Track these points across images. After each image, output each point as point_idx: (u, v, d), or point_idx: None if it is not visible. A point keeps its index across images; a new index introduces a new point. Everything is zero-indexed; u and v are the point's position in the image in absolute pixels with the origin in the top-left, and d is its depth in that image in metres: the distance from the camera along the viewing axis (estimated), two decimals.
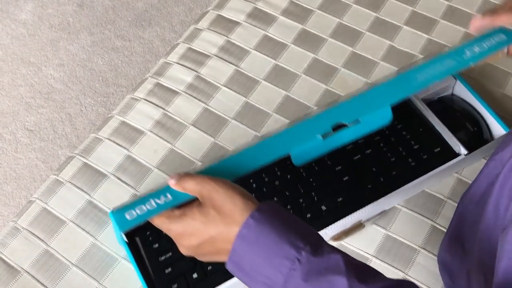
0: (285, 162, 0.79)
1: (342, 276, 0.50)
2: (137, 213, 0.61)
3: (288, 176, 0.79)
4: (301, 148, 0.66)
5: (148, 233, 0.75)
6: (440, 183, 0.82)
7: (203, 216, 0.56)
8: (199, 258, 0.60)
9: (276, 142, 0.67)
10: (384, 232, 0.78)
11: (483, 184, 0.67)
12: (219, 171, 0.64)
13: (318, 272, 0.51)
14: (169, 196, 0.62)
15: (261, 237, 0.53)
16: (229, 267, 0.56)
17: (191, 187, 0.59)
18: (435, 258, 0.76)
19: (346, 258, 0.53)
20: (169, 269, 0.73)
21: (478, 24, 0.75)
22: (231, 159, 0.65)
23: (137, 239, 0.75)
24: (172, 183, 0.61)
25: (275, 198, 0.77)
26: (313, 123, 0.68)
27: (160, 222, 0.60)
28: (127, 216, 0.62)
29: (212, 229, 0.56)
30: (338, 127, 0.69)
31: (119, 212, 0.62)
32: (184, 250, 0.60)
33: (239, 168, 0.65)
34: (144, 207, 0.62)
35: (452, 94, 0.89)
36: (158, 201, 0.62)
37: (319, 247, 0.53)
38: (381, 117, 0.70)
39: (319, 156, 0.68)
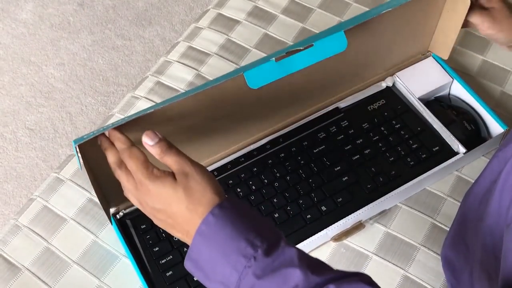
0: (284, 163, 0.79)
1: (296, 268, 0.51)
2: (93, 132, 0.62)
3: (288, 178, 0.79)
4: (255, 71, 0.66)
5: (148, 236, 0.75)
6: (440, 181, 0.82)
7: (172, 190, 0.57)
8: (156, 223, 0.60)
9: (234, 71, 0.67)
10: (385, 229, 0.79)
11: (486, 182, 0.67)
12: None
13: (272, 269, 0.51)
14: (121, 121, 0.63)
15: (219, 234, 0.54)
16: (188, 266, 0.56)
17: (170, 162, 0.59)
18: (435, 255, 0.76)
19: (301, 252, 0.53)
20: (170, 272, 0.73)
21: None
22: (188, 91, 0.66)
23: (137, 242, 0.75)
24: (153, 150, 0.59)
25: (274, 200, 0.77)
26: (271, 54, 0.68)
27: (136, 168, 0.59)
28: (85, 137, 0.62)
29: (174, 206, 0.56)
30: (291, 53, 0.68)
31: (80, 138, 0.62)
32: (146, 208, 0.60)
33: (193, 90, 0.65)
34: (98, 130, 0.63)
35: (450, 94, 0.89)
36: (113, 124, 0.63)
37: (276, 244, 0.53)
38: (335, 42, 0.69)
39: (274, 80, 0.68)
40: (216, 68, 0.95)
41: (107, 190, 0.74)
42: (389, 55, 0.86)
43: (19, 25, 1.86)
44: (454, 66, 0.90)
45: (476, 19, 0.79)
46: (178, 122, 0.73)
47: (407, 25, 0.81)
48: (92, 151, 0.68)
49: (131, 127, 0.64)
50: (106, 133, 0.63)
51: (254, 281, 0.51)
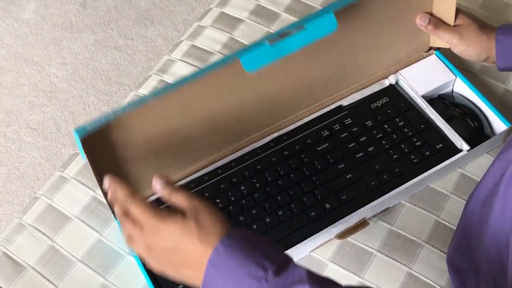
0: (287, 161, 0.79)
1: (306, 284, 0.52)
2: (95, 122, 0.63)
3: (291, 175, 0.79)
4: (250, 54, 0.68)
5: None
6: (444, 178, 0.82)
7: (184, 225, 0.57)
8: (164, 267, 0.59)
9: (228, 56, 0.70)
10: (389, 227, 0.79)
11: (488, 185, 0.67)
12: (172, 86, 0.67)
13: (283, 287, 0.52)
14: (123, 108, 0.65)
15: (229, 261, 0.55)
16: None
17: (180, 201, 0.60)
18: (440, 252, 0.76)
19: (310, 272, 0.54)
20: None
21: (421, 26, 0.84)
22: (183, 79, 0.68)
23: None
24: (162, 192, 0.61)
25: (278, 198, 0.77)
26: (264, 37, 0.71)
27: (142, 212, 0.59)
28: (87, 127, 0.63)
29: (186, 239, 0.57)
30: (284, 35, 0.70)
31: (81, 127, 0.64)
32: (155, 251, 0.58)
33: (189, 76, 0.67)
34: (102, 118, 0.64)
35: (453, 91, 0.89)
36: (114, 112, 0.64)
37: (286, 265, 0.54)
38: (326, 24, 0.72)
39: (269, 62, 0.70)
40: None
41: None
42: (388, 47, 0.86)
43: (22, 25, 1.87)
44: (457, 64, 0.90)
45: (445, 37, 0.83)
46: (179, 114, 0.73)
47: (401, 13, 0.83)
48: (96, 145, 0.68)
49: (133, 118, 0.67)
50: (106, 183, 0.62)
51: None
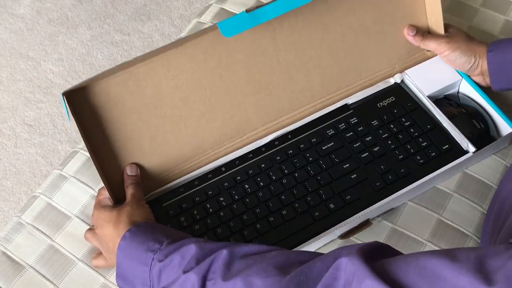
0: (292, 160, 0.79)
1: (191, 244, 0.60)
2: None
3: (296, 174, 0.78)
4: (228, 21, 0.72)
5: None
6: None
7: (110, 214, 0.70)
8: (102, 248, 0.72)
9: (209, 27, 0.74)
10: (391, 226, 0.78)
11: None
12: None
13: (173, 251, 0.60)
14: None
15: (133, 243, 0.64)
16: (119, 284, 0.66)
17: (128, 193, 0.74)
18: None
19: (199, 240, 0.62)
20: None
21: (409, 37, 0.86)
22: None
23: None
24: (128, 181, 0.76)
25: (282, 197, 0.77)
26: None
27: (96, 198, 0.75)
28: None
29: (106, 226, 0.69)
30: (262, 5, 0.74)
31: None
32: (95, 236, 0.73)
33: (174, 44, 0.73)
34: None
35: (459, 92, 0.88)
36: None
37: (180, 239, 0.63)
38: None
39: (246, 29, 0.74)
40: None
41: (114, 180, 0.75)
42: (385, 45, 0.86)
43: (17, 20, 1.85)
44: None
45: (433, 45, 0.85)
46: (169, 85, 0.76)
47: (393, 7, 0.85)
48: (82, 107, 0.69)
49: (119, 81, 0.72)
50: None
51: (159, 266, 0.60)
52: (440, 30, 0.86)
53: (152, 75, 0.74)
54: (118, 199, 0.75)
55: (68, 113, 0.69)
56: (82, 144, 0.87)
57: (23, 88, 1.70)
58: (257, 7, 0.73)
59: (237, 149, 0.81)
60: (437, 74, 0.87)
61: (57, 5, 1.87)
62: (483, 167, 0.83)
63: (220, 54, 0.76)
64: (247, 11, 0.72)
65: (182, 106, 0.77)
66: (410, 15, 0.86)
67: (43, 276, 0.76)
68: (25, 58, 1.77)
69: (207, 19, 1.01)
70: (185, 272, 0.58)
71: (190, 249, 0.60)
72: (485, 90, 0.85)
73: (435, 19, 0.86)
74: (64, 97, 0.67)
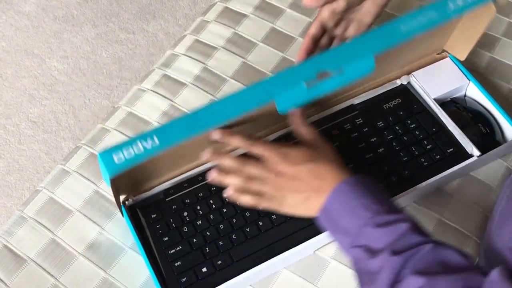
0: None
1: (407, 222, 0.62)
2: (124, 156, 0.61)
3: None
4: (286, 95, 0.67)
5: (158, 226, 0.75)
6: None
7: (313, 151, 0.69)
8: (281, 195, 0.69)
9: (261, 89, 0.67)
10: None
11: None
12: (204, 115, 0.65)
13: (389, 222, 0.62)
14: (156, 140, 0.62)
15: (353, 193, 0.65)
16: (320, 217, 0.67)
17: (308, 132, 0.72)
18: None
19: (415, 221, 0.63)
20: (179, 262, 0.73)
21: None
22: (215, 105, 0.65)
23: (147, 231, 0.75)
24: (296, 124, 0.73)
25: None
26: (298, 70, 0.68)
27: (263, 146, 0.70)
28: (115, 159, 0.61)
29: (323, 163, 0.68)
30: (321, 76, 0.68)
31: (107, 154, 0.61)
32: (275, 181, 0.68)
33: (221, 114, 0.65)
34: (131, 150, 0.62)
35: (465, 95, 0.88)
36: (145, 144, 0.62)
37: (399, 210, 0.65)
38: (364, 66, 0.69)
39: (303, 103, 0.69)
40: (223, 62, 0.95)
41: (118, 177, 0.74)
42: (402, 52, 0.85)
43: (23, 17, 1.86)
44: (462, 63, 0.89)
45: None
46: None
47: None
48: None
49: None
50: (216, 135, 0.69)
51: (371, 229, 0.62)
52: (464, 52, 0.84)
53: None
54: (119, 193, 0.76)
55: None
56: (85, 139, 0.88)
57: (28, 85, 1.71)
58: (318, 78, 0.67)
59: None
60: (444, 77, 0.86)
61: (63, 3, 1.88)
62: (485, 168, 0.83)
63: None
64: (307, 85, 0.67)
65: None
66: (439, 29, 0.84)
67: (44, 269, 0.76)
68: (30, 55, 1.77)
69: (211, 17, 1.02)
70: (392, 250, 0.60)
71: (404, 228, 0.61)
72: (493, 94, 0.85)
73: (468, 41, 0.83)
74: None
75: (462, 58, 0.85)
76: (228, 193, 0.69)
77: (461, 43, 0.85)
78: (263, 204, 0.70)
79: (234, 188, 0.69)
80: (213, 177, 0.70)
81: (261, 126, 0.82)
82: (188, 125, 0.64)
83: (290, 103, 0.68)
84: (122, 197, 0.77)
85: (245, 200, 0.69)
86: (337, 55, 0.68)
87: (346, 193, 0.65)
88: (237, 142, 0.70)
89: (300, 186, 0.68)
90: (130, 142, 0.62)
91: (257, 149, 0.70)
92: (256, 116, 0.71)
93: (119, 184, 0.74)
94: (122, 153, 0.61)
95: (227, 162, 0.70)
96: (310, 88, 0.67)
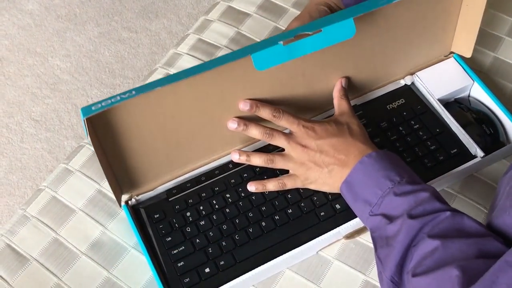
0: None
1: (427, 192, 0.64)
2: (102, 105, 0.62)
3: None
4: (262, 53, 0.67)
5: (161, 226, 0.75)
6: None
7: (337, 127, 0.73)
8: (306, 167, 0.73)
9: (240, 51, 0.68)
10: None
11: None
12: (182, 74, 0.66)
13: (410, 191, 0.64)
14: (133, 92, 0.63)
15: (376, 165, 0.68)
16: (342, 187, 0.70)
17: (344, 104, 0.77)
18: None
19: (436, 191, 0.65)
20: (182, 263, 0.72)
21: None
22: (193, 67, 0.66)
23: (150, 231, 0.75)
24: (336, 93, 0.78)
25: (289, 195, 0.76)
26: (279, 35, 0.69)
27: (291, 119, 0.73)
28: (93, 108, 0.62)
29: (343, 138, 0.72)
30: (299, 37, 0.68)
31: (88, 107, 0.63)
32: (303, 154, 0.72)
33: (196, 69, 0.66)
34: (109, 101, 0.63)
35: (469, 96, 0.88)
36: (123, 96, 0.63)
37: (419, 182, 0.67)
38: (344, 29, 0.70)
39: (281, 63, 0.69)
40: None
41: (120, 172, 0.74)
42: (409, 55, 0.85)
43: (25, 15, 1.86)
44: (465, 62, 0.89)
45: None
46: (189, 106, 0.72)
47: (424, 20, 0.81)
48: (103, 128, 0.67)
49: (140, 104, 0.67)
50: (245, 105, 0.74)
51: (392, 197, 0.64)
52: (469, 49, 0.84)
53: (175, 97, 0.70)
54: (122, 191, 0.76)
55: (87, 134, 0.66)
56: (88, 138, 0.88)
57: (30, 84, 1.71)
58: (295, 37, 0.68)
59: (246, 146, 0.81)
60: (448, 77, 0.86)
61: (66, 2, 1.88)
62: (489, 169, 0.82)
63: (249, 80, 0.73)
64: (284, 42, 0.68)
65: (198, 115, 0.74)
66: (440, 29, 0.83)
67: (47, 269, 0.76)
68: (32, 53, 1.77)
69: (214, 16, 1.01)
70: (409, 215, 0.62)
71: (424, 196, 0.63)
72: (497, 94, 0.85)
73: (468, 37, 0.83)
74: (85, 120, 0.64)
75: (469, 55, 0.85)
76: (252, 189, 0.75)
77: (464, 40, 0.85)
78: (288, 185, 0.75)
79: (261, 163, 0.75)
80: (237, 158, 0.76)
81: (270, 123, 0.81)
82: (166, 79, 0.65)
83: (268, 61, 0.68)
84: (125, 197, 0.77)
85: (271, 187, 0.75)
86: (318, 23, 0.70)
87: (369, 166, 0.68)
88: (264, 114, 0.74)
89: (324, 160, 0.71)
90: (110, 98, 0.63)
91: (284, 123, 0.74)
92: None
93: (121, 179, 0.75)
94: (100, 104, 0.63)
95: (255, 131, 0.74)
96: (287, 46, 0.67)
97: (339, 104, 0.78)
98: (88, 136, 0.66)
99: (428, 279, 0.56)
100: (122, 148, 0.73)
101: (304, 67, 0.76)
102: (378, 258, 0.63)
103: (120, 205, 0.76)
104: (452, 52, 0.88)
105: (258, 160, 0.75)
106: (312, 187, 0.75)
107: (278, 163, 0.75)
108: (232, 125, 0.75)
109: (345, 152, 0.71)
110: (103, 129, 0.68)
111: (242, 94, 0.75)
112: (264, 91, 0.76)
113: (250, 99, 0.74)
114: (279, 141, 0.74)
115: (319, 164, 0.72)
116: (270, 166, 0.75)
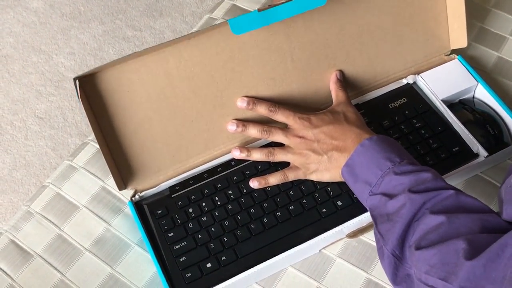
0: None
1: (428, 172, 0.64)
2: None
3: None
4: (239, 19, 0.73)
5: (163, 222, 0.75)
6: None
7: (333, 115, 0.75)
8: (305, 156, 0.74)
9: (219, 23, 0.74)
10: None
11: None
12: None
13: (410, 171, 0.65)
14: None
15: (376, 148, 0.69)
16: (343, 170, 0.70)
17: (342, 94, 0.79)
18: None
19: (436, 172, 0.65)
20: (184, 258, 0.73)
21: None
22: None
23: (153, 227, 0.76)
24: (333, 85, 0.80)
25: (291, 192, 0.77)
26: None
27: (286, 113, 0.76)
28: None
29: (347, 125, 0.73)
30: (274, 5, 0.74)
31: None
32: (301, 144, 0.74)
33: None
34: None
35: (474, 97, 0.88)
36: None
37: (417, 163, 0.67)
38: None
39: (256, 28, 0.75)
40: None
41: (122, 162, 0.75)
42: (403, 47, 0.86)
43: (30, 13, 1.87)
44: (469, 62, 0.89)
45: None
46: (180, 80, 0.75)
47: (409, 7, 0.83)
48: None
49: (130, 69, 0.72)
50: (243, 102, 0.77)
51: (392, 177, 0.65)
52: (463, 37, 0.85)
53: (163, 64, 0.74)
54: (125, 185, 0.76)
55: (79, 98, 0.69)
56: (92, 136, 0.88)
57: (35, 81, 1.72)
58: (270, 6, 0.73)
59: (248, 143, 0.81)
60: (453, 78, 0.86)
61: (70, 0, 1.89)
62: (493, 169, 0.82)
63: (232, 49, 0.76)
64: (259, 10, 0.72)
65: (193, 98, 0.77)
66: (431, 19, 0.85)
67: (51, 264, 0.76)
68: (37, 51, 1.78)
69: (219, 15, 1.02)
70: (412, 191, 0.62)
71: (426, 176, 0.64)
72: (500, 94, 0.85)
73: (458, 25, 0.85)
74: (77, 81, 0.67)
75: (465, 45, 0.86)
76: (254, 186, 0.76)
77: (457, 30, 0.86)
78: (290, 176, 0.76)
79: (261, 157, 0.77)
80: (238, 154, 0.78)
81: (272, 120, 0.82)
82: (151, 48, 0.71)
83: (244, 26, 0.74)
84: (130, 192, 0.78)
85: (273, 180, 0.76)
86: None
87: (370, 148, 0.69)
88: (261, 110, 0.77)
89: (322, 147, 0.73)
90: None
91: (280, 117, 0.76)
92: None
93: (123, 170, 0.76)
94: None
95: (253, 130, 0.77)
96: (262, 13, 0.72)
97: (336, 95, 0.80)
98: (80, 100, 0.69)
99: (434, 250, 0.56)
100: (126, 146, 0.74)
101: (291, 51, 0.79)
102: (379, 233, 0.64)
103: (120, 189, 0.77)
104: (453, 52, 0.88)
105: (258, 155, 0.77)
106: (314, 177, 0.76)
107: (278, 155, 0.76)
108: (231, 127, 0.78)
109: (342, 138, 0.72)
110: (94, 93, 0.72)
111: (231, 77, 0.78)
112: (253, 73, 0.78)
113: (247, 96, 0.78)
114: (277, 137, 0.76)
115: (318, 152, 0.73)
116: (270, 159, 0.77)
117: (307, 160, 0.74)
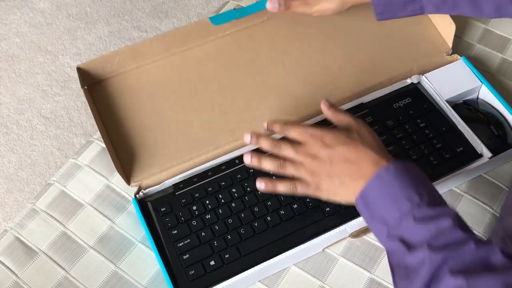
0: None
1: (449, 217, 0.60)
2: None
3: None
4: (217, 16, 0.82)
5: (167, 219, 0.76)
6: None
7: (348, 134, 0.69)
8: (317, 178, 0.69)
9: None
10: None
11: None
12: None
13: (430, 217, 0.60)
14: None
15: (394, 181, 0.63)
16: (358, 202, 0.65)
17: (343, 117, 0.73)
18: None
19: (457, 214, 0.61)
20: (187, 255, 0.73)
21: (273, 9, 0.83)
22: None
23: (157, 224, 0.76)
24: (327, 113, 0.74)
25: None
26: None
27: (300, 129, 0.71)
28: None
29: (362, 149, 0.67)
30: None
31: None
32: (313, 163, 0.69)
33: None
34: None
35: (478, 98, 0.88)
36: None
37: (440, 203, 0.63)
38: None
39: (232, 19, 0.83)
40: None
41: (125, 157, 0.77)
42: (400, 44, 0.87)
43: (37, 14, 1.88)
44: (473, 63, 0.89)
45: (300, 7, 0.83)
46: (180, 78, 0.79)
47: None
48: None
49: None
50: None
51: (411, 223, 0.60)
52: (450, 24, 0.87)
53: (162, 67, 0.75)
54: (129, 182, 0.78)
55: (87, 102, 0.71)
56: (97, 134, 0.88)
57: (41, 81, 1.72)
58: (242, 5, 0.81)
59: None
60: (457, 79, 0.86)
61: (77, 1, 1.90)
62: (496, 169, 0.82)
63: (230, 55, 0.77)
64: (235, 7, 0.78)
65: (194, 97, 0.77)
66: (431, 18, 0.86)
67: (55, 262, 0.77)
68: (43, 51, 1.79)
69: None
70: (430, 246, 0.58)
71: (446, 224, 0.60)
72: (504, 95, 0.85)
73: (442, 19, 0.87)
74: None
75: (452, 31, 0.88)
76: (261, 187, 0.71)
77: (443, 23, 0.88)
78: (299, 190, 0.70)
79: (271, 168, 0.71)
80: (249, 161, 0.72)
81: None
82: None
83: (221, 18, 0.82)
84: (134, 188, 0.78)
85: (281, 188, 0.71)
86: None
87: (386, 182, 0.64)
88: (275, 128, 0.74)
89: (334, 170, 0.68)
90: None
91: (293, 133, 0.72)
92: None
93: (126, 164, 0.77)
94: None
95: (265, 143, 0.72)
96: (237, 10, 0.80)
97: (338, 120, 0.74)
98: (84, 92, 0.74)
99: None
100: (130, 146, 0.75)
101: (307, 64, 0.81)
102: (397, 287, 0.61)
103: (129, 184, 0.79)
104: (454, 53, 0.89)
105: (269, 165, 0.71)
106: (324, 197, 0.70)
107: (289, 169, 0.71)
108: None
109: (355, 162, 0.67)
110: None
111: (230, 80, 0.80)
112: (253, 76, 0.81)
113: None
114: (287, 152, 0.71)
115: (329, 174, 0.68)
116: (281, 172, 0.71)
117: (318, 180, 0.69)
